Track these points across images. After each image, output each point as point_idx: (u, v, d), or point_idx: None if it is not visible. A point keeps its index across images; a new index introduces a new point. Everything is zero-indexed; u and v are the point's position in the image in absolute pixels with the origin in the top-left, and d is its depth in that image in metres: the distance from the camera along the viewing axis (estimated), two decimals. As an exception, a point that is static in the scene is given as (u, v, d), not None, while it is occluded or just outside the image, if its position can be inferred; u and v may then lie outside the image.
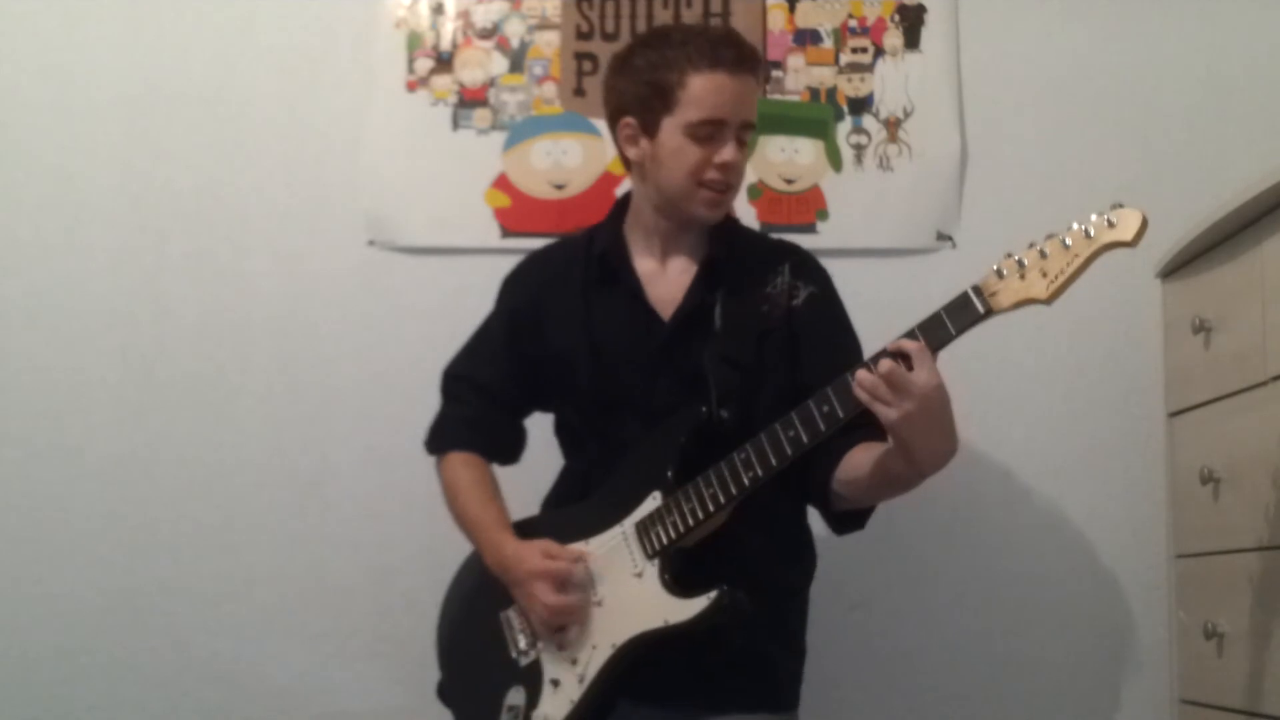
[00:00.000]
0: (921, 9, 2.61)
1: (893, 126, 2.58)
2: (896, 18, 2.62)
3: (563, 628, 1.83)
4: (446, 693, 2.03)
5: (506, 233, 2.59)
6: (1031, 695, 2.47)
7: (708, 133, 1.85)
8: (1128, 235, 1.56)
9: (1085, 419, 2.51)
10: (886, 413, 1.62)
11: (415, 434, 2.53)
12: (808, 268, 2.00)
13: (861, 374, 1.65)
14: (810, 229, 2.55)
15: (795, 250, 2.05)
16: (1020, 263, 1.62)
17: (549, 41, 2.63)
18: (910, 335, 1.65)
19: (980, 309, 1.63)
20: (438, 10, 2.64)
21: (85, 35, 2.64)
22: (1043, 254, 1.61)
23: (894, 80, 2.60)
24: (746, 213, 2.55)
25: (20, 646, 2.51)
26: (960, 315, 1.64)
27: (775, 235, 2.16)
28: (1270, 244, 1.95)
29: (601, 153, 2.59)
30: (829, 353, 1.89)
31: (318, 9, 2.64)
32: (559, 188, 2.59)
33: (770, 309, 1.93)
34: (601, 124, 2.57)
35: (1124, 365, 2.51)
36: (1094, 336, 2.51)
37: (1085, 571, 2.49)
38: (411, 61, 2.63)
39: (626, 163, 1.99)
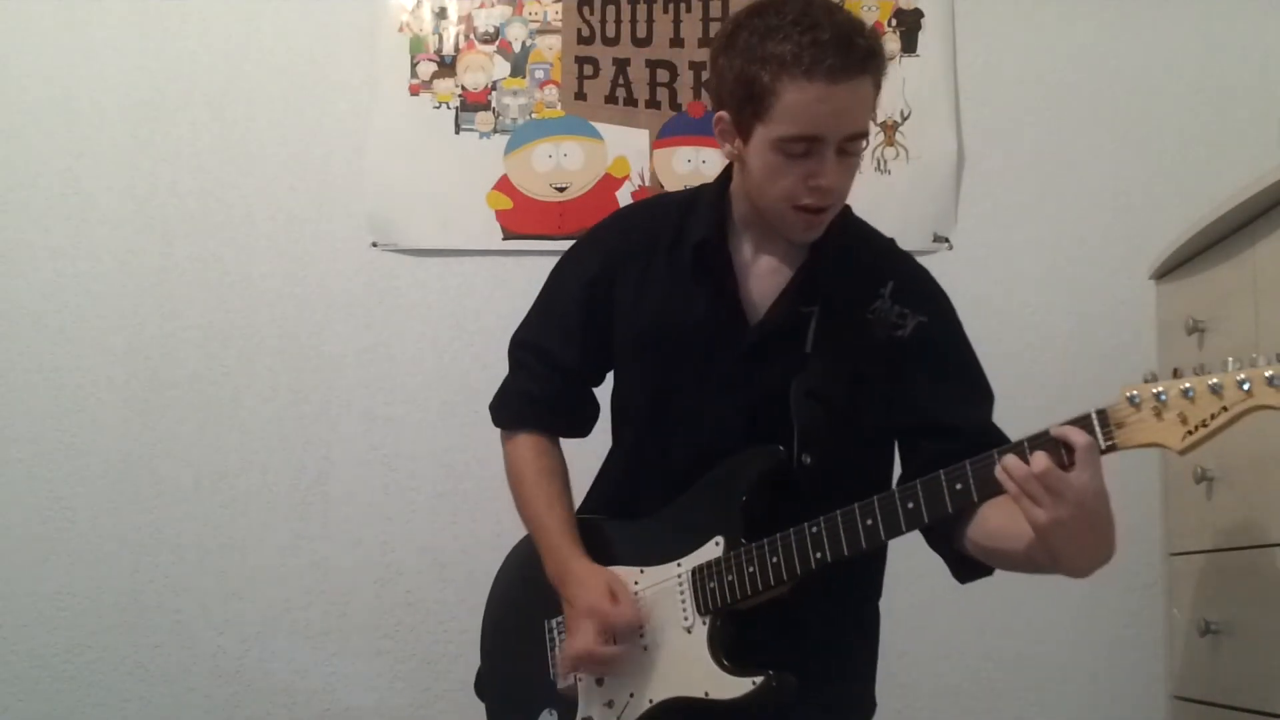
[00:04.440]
0: (919, 13, 2.64)
1: (890, 130, 2.61)
2: (894, 22, 2.64)
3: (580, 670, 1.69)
4: (483, 686, 1.89)
5: (508, 235, 2.61)
6: (1027, 691, 2.50)
7: (802, 149, 1.57)
8: None
9: (1080, 419, 2.53)
10: (1034, 514, 1.40)
11: (418, 433, 2.56)
12: (916, 290, 1.72)
13: (1011, 461, 1.40)
14: (809, 231, 2.58)
15: (902, 265, 1.76)
16: (1159, 396, 1.36)
17: (550, 46, 2.65)
18: (1083, 422, 1.41)
19: (1101, 443, 1.40)
20: (440, 15, 2.66)
21: (92, 40, 2.67)
22: (1186, 393, 1.35)
23: (891, 84, 2.62)
24: (746, 215, 2.58)
25: (28, 644, 2.53)
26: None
27: (887, 237, 1.82)
28: (1263, 246, 1.97)
29: (602, 155, 2.61)
30: (944, 392, 1.68)
31: (321, 14, 2.67)
32: (560, 190, 2.62)
33: (869, 339, 1.68)
34: (602, 127, 2.62)
35: (1118, 365, 2.53)
36: (1089, 337, 2.53)
37: (1080, 569, 2.51)
38: (414, 66, 2.65)
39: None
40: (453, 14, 2.67)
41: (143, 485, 2.57)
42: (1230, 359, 1.33)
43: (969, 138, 2.62)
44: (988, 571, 1.68)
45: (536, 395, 1.82)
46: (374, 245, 2.63)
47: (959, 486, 1.47)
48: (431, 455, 2.54)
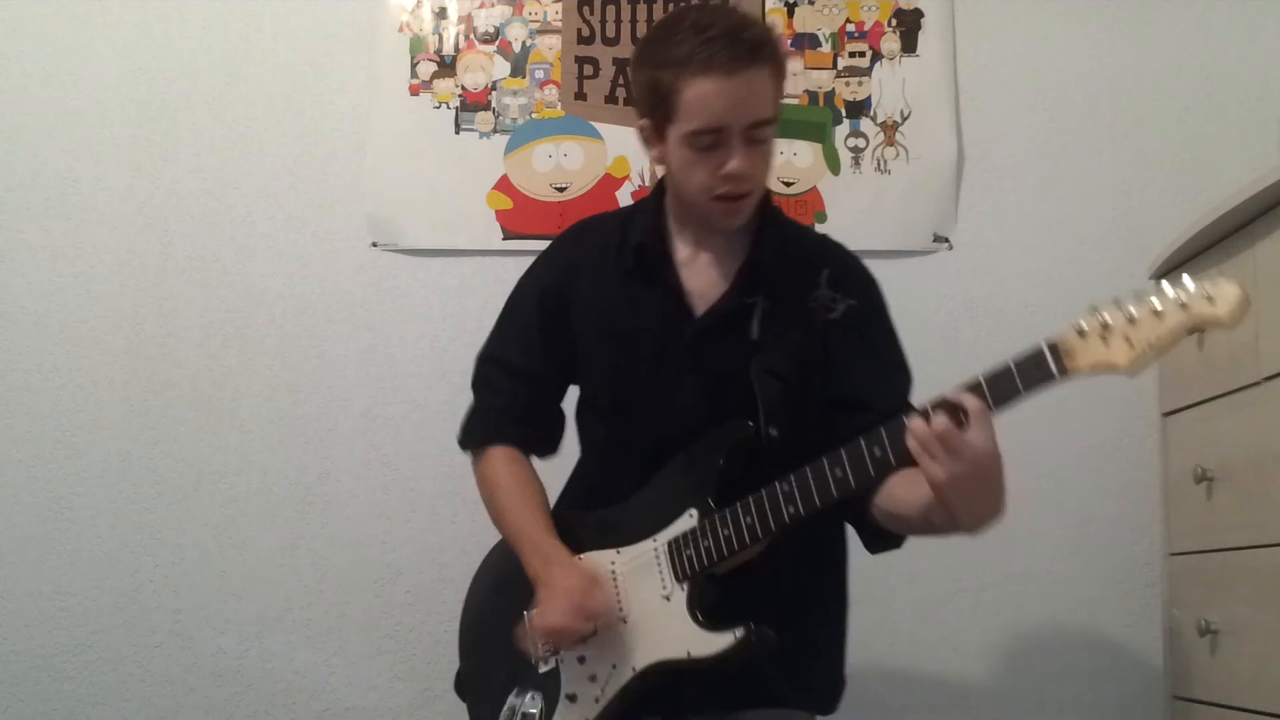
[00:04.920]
0: (918, 13, 2.64)
1: (890, 130, 2.61)
2: (894, 22, 2.64)
3: (556, 649, 1.76)
4: (464, 685, 1.96)
5: (508, 235, 2.61)
6: (1027, 690, 2.49)
7: (709, 141, 1.70)
8: (1223, 313, 1.38)
9: (1081, 419, 2.54)
10: (934, 471, 1.50)
11: (418, 433, 2.56)
12: (847, 277, 1.85)
13: (916, 424, 1.51)
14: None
15: (836, 255, 1.90)
16: (1104, 323, 1.45)
17: (550, 46, 2.65)
18: (975, 388, 1.51)
19: (1054, 370, 1.47)
20: (440, 15, 2.67)
21: (92, 40, 2.67)
22: (1130, 317, 1.43)
23: (891, 84, 2.62)
24: (746, 215, 2.58)
25: (28, 644, 2.53)
26: (1031, 373, 1.48)
27: (819, 232, 2.00)
28: (1263, 246, 1.98)
29: (602, 155, 2.61)
30: (866, 367, 1.79)
31: (322, 14, 2.67)
32: (560, 190, 2.62)
33: (810, 323, 1.81)
34: (602, 127, 2.62)
35: (1118, 365, 2.54)
36: (1089, 337, 2.53)
37: (1080, 569, 2.51)
38: (414, 65, 2.65)
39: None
40: (453, 14, 2.67)
41: (143, 485, 2.57)
42: (1165, 283, 1.42)
43: (969, 138, 2.62)
44: (896, 543, 1.80)
45: (503, 406, 1.92)
46: (374, 245, 2.63)
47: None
48: (431, 455, 2.54)
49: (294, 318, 2.62)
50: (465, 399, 2.01)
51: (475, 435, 1.94)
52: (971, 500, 1.53)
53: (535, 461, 1.93)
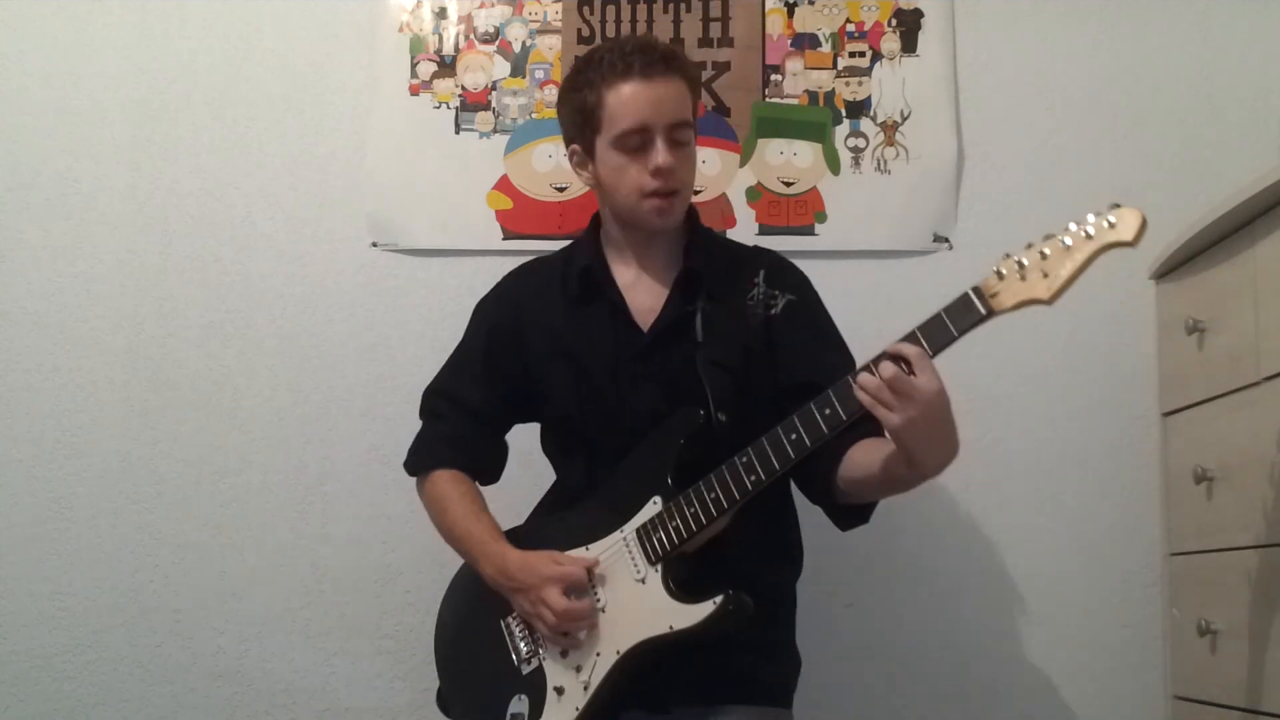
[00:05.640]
0: (919, 13, 2.64)
1: (890, 130, 2.61)
2: (894, 22, 2.64)
3: (569, 634, 1.82)
4: (446, 702, 2.02)
5: (508, 234, 2.61)
6: (1026, 691, 2.49)
7: (636, 142, 1.87)
8: (1128, 235, 1.53)
9: (1080, 418, 2.54)
10: (889, 417, 1.61)
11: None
12: (783, 274, 2.01)
13: (864, 377, 1.62)
14: (808, 231, 2.58)
15: (769, 257, 2.05)
16: (1020, 263, 1.59)
17: (550, 46, 2.65)
18: (910, 338, 1.63)
19: (982, 310, 1.60)
20: (440, 15, 2.66)
21: (92, 39, 2.67)
22: (1043, 255, 1.58)
23: (891, 84, 2.62)
24: (746, 215, 2.58)
25: (28, 644, 2.53)
26: (961, 317, 1.61)
27: (751, 244, 2.18)
28: (1263, 245, 1.97)
29: (602, 156, 2.61)
30: (812, 354, 1.92)
31: (322, 14, 2.67)
32: (560, 190, 2.62)
33: (750, 319, 1.94)
34: (602, 127, 2.61)
35: (1118, 365, 2.54)
36: (1089, 337, 2.54)
37: (1080, 569, 2.51)
38: (414, 65, 2.65)
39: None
40: (453, 14, 2.67)
41: (143, 485, 2.57)
42: (1072, 223, 1.58)
43: (969, 138, 2.62)
44: (863, 519, 1.92)
45: (449, 435, 2.04)
46: (374, 245, 2.63)
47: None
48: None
49: (294, 318, 2.62)
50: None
51: (420, 460, 2.06)
52: (928, 440, 1.64)
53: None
